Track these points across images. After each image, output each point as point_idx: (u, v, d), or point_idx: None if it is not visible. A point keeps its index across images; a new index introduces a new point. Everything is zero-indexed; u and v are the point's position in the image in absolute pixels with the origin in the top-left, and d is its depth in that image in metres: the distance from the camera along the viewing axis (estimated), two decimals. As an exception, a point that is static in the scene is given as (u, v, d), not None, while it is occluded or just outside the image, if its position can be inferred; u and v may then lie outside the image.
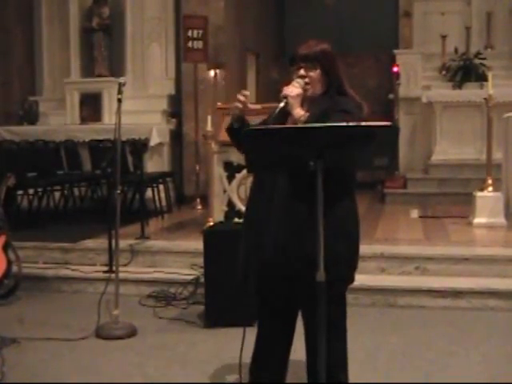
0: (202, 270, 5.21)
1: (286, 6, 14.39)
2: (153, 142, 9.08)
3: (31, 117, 10.32)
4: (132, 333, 4.80)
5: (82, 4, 10.23)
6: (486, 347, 4.41)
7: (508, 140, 7.14)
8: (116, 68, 10.06)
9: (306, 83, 2.84)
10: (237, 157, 6.36)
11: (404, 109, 10.24)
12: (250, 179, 6.43)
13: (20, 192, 7.92)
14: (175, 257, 6.26)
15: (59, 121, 10.19)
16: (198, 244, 5.48)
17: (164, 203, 8.68)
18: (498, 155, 7.60)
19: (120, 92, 4.86)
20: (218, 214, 6.61)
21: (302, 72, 2.87)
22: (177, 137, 9.95)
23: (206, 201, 7.46)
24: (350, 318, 2.95)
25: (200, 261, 5.37)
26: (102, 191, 8.67)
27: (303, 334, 2.94)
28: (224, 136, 6.45)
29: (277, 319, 2.97)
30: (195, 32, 9.10)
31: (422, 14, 10.78)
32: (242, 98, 2.86)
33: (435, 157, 9.85)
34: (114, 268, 5.30)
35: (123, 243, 6.00)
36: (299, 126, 2.64)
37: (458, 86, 10.11)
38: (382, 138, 2.42)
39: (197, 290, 5.54)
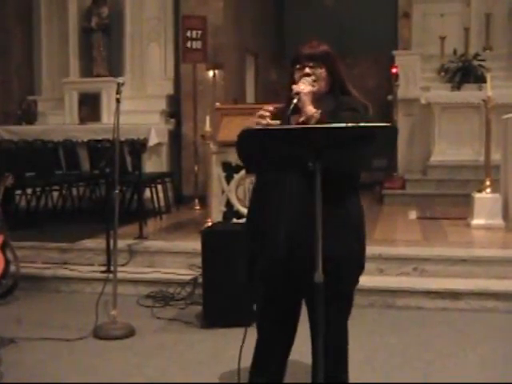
0: (201, 271, 5.21)
1: (285, 6, 14.39)
2: (151, 142, 9.08)
3: (30, 116, 10.31)
4: (130, 333, 4.79)
5: (81, 4, 10.22)
6: (484, 348, 4.41)
7: (506, 141, 7.14)
8: (115, 68, 10.06)
9: (313, 81, 2.84)
10: (235, 157, 6.35)
11: (403, 110, 10.25)
12: (249, 180, 6.47)
13: (18, 192, 7.91)
14: (173, 257, 6.26)
15: (58, 120, 10.19)
16: (196, 244, 5.48)
17: (162, 203, 8.67)
18: (496, 156, 7.60)
19: (119, 92, 4.86)
20: (216, 215, 6.61)
21: (307, 70, 2.87)
22: (175, 137, 9.95)
23: (204, 201, 7.46)
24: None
25: (198, 261, 5.37)
26: (100, 191, 8.66)
27: (301, 335, 2.94)
28: (223, 136, 6.47)
29: (280, 320, 2.97)
30: (194, 32, 9.10)
31: (421, 16, 10.79)
32: (266, 113, 2.83)
33: (434, 158, 9.86)
34: (112, 268, 5.29)
35: (121, 243, 6.00)
36: (298, 126, 2.63)
37: (457, 87, 10.12)
38: (381, 139, 2.42)
39: (195, 290, 5.54)
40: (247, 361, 3.10)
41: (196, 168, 8.99)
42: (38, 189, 8.00)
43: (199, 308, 5.16)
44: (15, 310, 5.42)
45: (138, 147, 8.36)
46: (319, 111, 2.70)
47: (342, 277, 2.82)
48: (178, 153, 9.95)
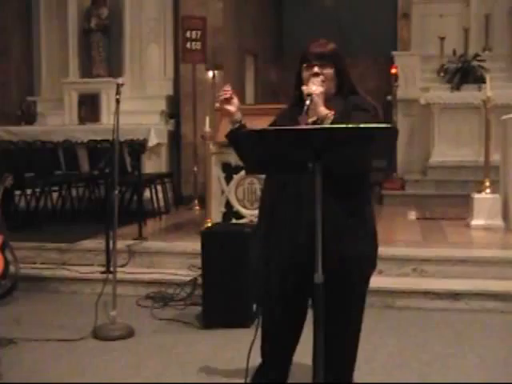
0: (200, 271, 5.21)
1: (284, 6, 14.38)
2: (151, 143, 9.08)
3: (29, 117, 10.31)
4: (129, 334, 4.79)
5: (81, 4, 10.22)
6: (484, 349, 4.42)
7: (506, 142, 7.14)
8: (114, 68, 10.05)
9: (322, 81, 2.83)
10: (235, 158, 6.36)
11: (402, 110, 10.25)
12: (248, 180, 6.48)
13: (18, 192, 7.91)
14: (173, 258, 6.26)
15: (57, 121, 10.18)
16: (195, 245, 5.47)
17: (162, 204, 8.68)
18: (495, 157, 7.60)
19: (118, 92, 4.86)
20: (215, 215, 6.60)
21: (316, 70, 2.84)
22: (175, 137, 9.95)
23: (203, 202, 7.45)
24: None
25: (198, 262, 5.37)
26: (99, 192, 8.65)
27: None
28: (222, 137, 6.46)
29: (289, 320, 2.96)
30: (193, 33, 9.10)
31: (420, 16, 10.79)
32: (227, 95, 2.86)
33: (433, 158, 9.86)
34: (111, 269, 5.29)
35: (121, 244, 6.00)
36: (298, 127, 2.62)
37: (456, 87, 10.12)
38: (380, 140, 2.41)
39: (194, 290, 5.54)
40: (244, 361, 3.10)
41: (195, 168, 8.98)
42: (38, 189, 8.00)
43: (199, 308, 5.16)
44: (15, 311, 5.41)
45: (137, 148, 8.36)
46: (332, 112, 2.69)
47: (356, 276, 2.86)
48: (178, 153, 9.95)
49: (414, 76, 10.38)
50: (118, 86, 4.88)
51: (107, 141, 7.80)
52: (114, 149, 4.90)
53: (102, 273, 5.95)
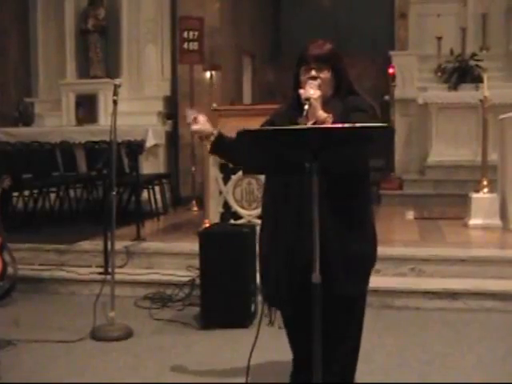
0: (198, 272, 5.21)
1: (281, 7, 14.38)
2: (148, 144, 9.07)
3: (27, 118, 10.30)
4: (128, 334, 4.79)
5: (78, 5, 10.21)
6: (482, 348, 4.42)
7: (503, 141, 7.15)
8: (112, 69, 10.05)
9: (319, 84, 2.82)
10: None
11: (400, 110, 10.26)
12: (246, 181, 6.48)
13: (15, 193, 7.90)
14: (171, 258, 6.25)
15: (55, 122, 10.18)
16: (193, 245, 5.47)
17: (160, 205, 8.68)
18: (493, 156, 7.61)
19: (116, 93, 4.85)
20: (213, 216, 6.60)
21: (313, 73, 2.84)
22: (172, 138, 9.95)
23: (201, 202, 7.45)
24: (346, 320, 2.95)
25: (196, 262, 5.36)
26: (97, 193, 8.65)
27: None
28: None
29: (303, 320, 2.97)
30: (191, 33, 9.10)
31: (417, 16, 10.81)
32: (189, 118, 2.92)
33: (431, 158, 9.86)
34: (109, 270, 5.29)
35: (119, 245, 6.00)
36: (294, 127, 2.62)
37: (454, 87, 10.13)
38: (377, 140, 2.42)
39: (193, 291, 5.54)
40: (244, 361, 3.10)
41: (193, 169, 8.98)
42: (36, 190, 7.99)
43: (197, 309, 5.16)
44: (13, 312, 5.41)
45: (135, 148, 8.36)
46: (330, 115, 2.69)
47: (357, 276, 2.88)
48: (176, 154, 9.95)
49: (412, 76, 10.39)
50: (116, 86, 4.87)
51: (105, 142, 7.80)
52: (112, 150, 4.90)
53: (101, 274, 5.95)
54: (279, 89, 10.82)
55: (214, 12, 9.95)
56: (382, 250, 5.78)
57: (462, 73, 10.16)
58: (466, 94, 9.78)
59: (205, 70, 9.42)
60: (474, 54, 10.20)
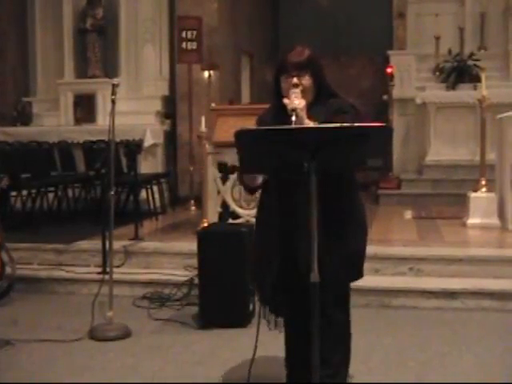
0: (196, 271, 5.21)
1: (280, 6, 14.39)
2: (147, 143, 9.08)
3: (25, 118, 10.29)
4: (126, 334, 4.79)
5: (76, 5, 10.20)
6: (480, 348, 4.42)
7: (501, 141, 7.15)
8: (110, 69, 10.04)
9: (302, 91, 2.85)
10: (231, 158, 6.36)
11: (398, 110, 10.25)
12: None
13: (14, 193, 7.90)
14: (169, 258, 6.25)
15: (53, 122, 10.17)
16: (192, 245, 5.48)
17: (158, 204, 8.67)
18: (491, 156, 7.62)
19: (114, 93, 4.86)
20: (212, 215, 6.61)
21: (295, 80, 2.88)
22: (171, 138, 9.95)
23: (200, 202, 7.45)
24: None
25: (194, 262, 5.36)
26: (95, 192, 8.65)
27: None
28: (218, 137, 6.48)
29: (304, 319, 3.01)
30: (189, 33, 9.09)
31: (415, 16, 10.80)
32: None
33: (429, 158, 9.87)
34: (107, 269, 5.29)
35: (117, 244, 5.99)
36: (292, 126, 2.64)
37: (452, 87, 10.13)
38: (375, 139, 2.43)
39: (191, 291, 5.54)
40: (243, 361, 3.10)
41: (191, 169, 8.97)
42: (34, 190, 7.97)
43: (195, 309, 5.16)
44: (11, 312, 5.41)
45: (133, 148, 8.36)
46: (316, 123, 2.71)
47: (347, 275, 2.93)
48: (174, 153, 9.95)
49: (410, 75, 10.39)
50: (114, 86, 4.87)
51: (103, 141, 7.80)
52: (110, 149, 4.90)
53: (99, 273, 5.95)
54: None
55: (212, 11, 9.95)
56: (380, 250, 5.87)
57: (460, 72, 10.16)
58: (464, 93, 9.79)
59: (203, 69, 9.42)
60: (472, 54, 10.20)
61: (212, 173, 6.63)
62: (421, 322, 5.04)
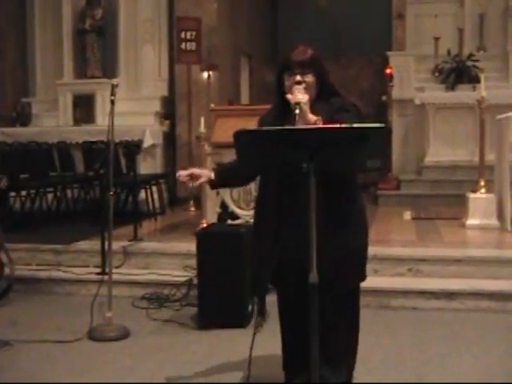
0: (195, 272, 5.21)
1: (278, 7, 14.40)
2: (146, 144, 9.08)
3: (24, 118, 10.29)
4: (125, 335, 4.79)
5: (75, 5, 10.21)
6: (479, 348, 4.42)
7: (500, 142, 7.16)
8: (109, 69, 10.05)
9: (305, 88, 2.87)
10: (230, 158, 6.35)
11: (397, 111, 10.26)
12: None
13: (13, 194, 7.89)
14: (168, 258, 6.25)
15: (52, 122, 10.18)
16: (191, 246, 5.47)
17: (157, 205, 8.67)
18: (490, 157, 7.62)
19: (113, 93, 4.85)
20: (211, 216, 6.61)
21: (298, 78, 2.91)
22: (170, 138, 9.95)
23: (199, 202, 7.45)
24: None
25: (193, 262, 5.36)
26: (94, 193, 8.65)
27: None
28: (217, 138, 6.48)
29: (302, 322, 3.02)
30: (188, 33, 9.10)
31: (415, 16, 10.81)
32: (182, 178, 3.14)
33: (428, 158, 9.87)
34: (106, 270, 5.29)
35: (116, 245, 5.99)
36: (291, 127, 2.64)
37: (451, 87, 10.14)
38: (374, 140, 2.44)
39: (190, 291, 5.54)
40: (242, 361, 3.10)
41: (191, 169, 8.96)
42: (33, 191, 7.98)
43: (194, 309, 5.15)
44: (10, 313, 5.40)
45: (132, 149, 8.36)
46: (320, 118, 2.73)
47: (350, 274, 2.95)
48: (173, 154, 9.95)
49: (409, 76, 10.40)
50: (113, 86, 4.87)
51: (102, 142, 7.80)
52: (109, 150, 4.90)
53: (98, 274, 5.95)
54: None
55: (211, 12, 9.95)
56: (379, 251, 5.87)
57: (459, 73, 10.17)
58: (464, 94, 9.79)
59: (202, 70, 9.42)
60: (471, 55, 10.21)
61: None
62: (420, 323, 5.04)
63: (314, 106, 2.86)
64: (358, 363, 3.15)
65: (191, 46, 9.11)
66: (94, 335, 4.74)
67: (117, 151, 7.78)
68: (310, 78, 2.93)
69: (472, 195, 7.08)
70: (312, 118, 2.74)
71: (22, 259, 6.35)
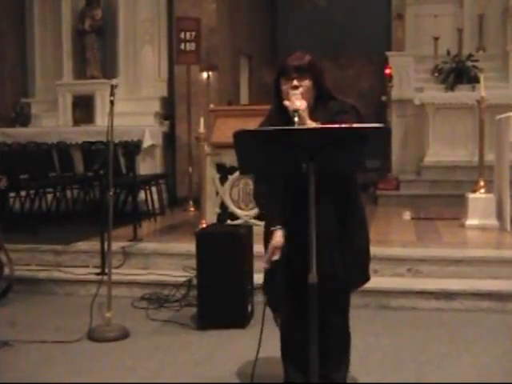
0: (195, 272, 5.20)
1: (278, 7, 14.40)
2: (145, 144, 9.09)
3: (23, 119, 10.30)
4: (124, 335, 4.78)
5: (75, 6, 10.22)
6: (478, 348, 4.42)
7: (500, 142, 7.16)
8: (108, 70, 10.06)
9: (301, 93, 2.88)
10: (230, 159, 6.37)
11: (396, 111, 10.27)
12: (243, 181, 6.49)
13: (12, 194, 7.90)
14: (168, 259, 6.25)
15: (51, 123, 10.18)
16: (190, 246, 5.47)
17: (157, 205, 8.67)
18: (490, 157, 7.62)
19: (112, 94, 4.85)
20: (210, 216, 6.61)
21: (295, 83, 2.92)
22: (169, 139, 9.95)
23: (198, 203, 7.45)
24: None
25: (193, 263, 5.36)
26: (94, 193, 8.65)
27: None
28: (217, 138, 6.48)
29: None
30: (188, 34, 9.10)
31: (414, 17, 10.82)
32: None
33: (428, 159, 9.87)
34: (106, 270, 5.29)
35: (116, 245, 5.99)
36: (291, 127, 2.65)
37: (451, 88, 10.14)
38: (373, 140, 2.44)
39: (189, 292, 5.54)
40: (241, 361, 3.10)
41: (190, 170, 8.98)
42: (32, 191, 7.97)
43: (194, 310, 5.15)
44: (9, 313, 5.40)
45: (132, 149, 8.36)
46: (318, 123, 2.74)
47: (354, 275, 2.98)
48: (172, 154, 9.95)
49: (409, 76, 10.40)
50: (112, 87, 4.87)
51: (102, 142, 7.81)
52: (109, 150, 4.90)
53: (97, 274, 5.95)
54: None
55: (210, 13, 9.96)
56: (379, 251, 5.86)
57: (458, 73, 10.17)
58: (463, 94, 9.80)
59: (202, 70, 9.43)
60: (470, 55, 10.22)
61: (210, 174, 6.63)
62: (419, 323, 5.04)
63: (313, 111, 2.88)
64: (357, 363, 3.16)
65: (191, 46, 9.10)
66: (93, 335, 4.74)
67: (116, 152, 7.78)
68: (306, 83, 2.94)
69: (471, 195, 7.09)
70: (311, 124, 2.77)
71: (22, 259, 6.35)
